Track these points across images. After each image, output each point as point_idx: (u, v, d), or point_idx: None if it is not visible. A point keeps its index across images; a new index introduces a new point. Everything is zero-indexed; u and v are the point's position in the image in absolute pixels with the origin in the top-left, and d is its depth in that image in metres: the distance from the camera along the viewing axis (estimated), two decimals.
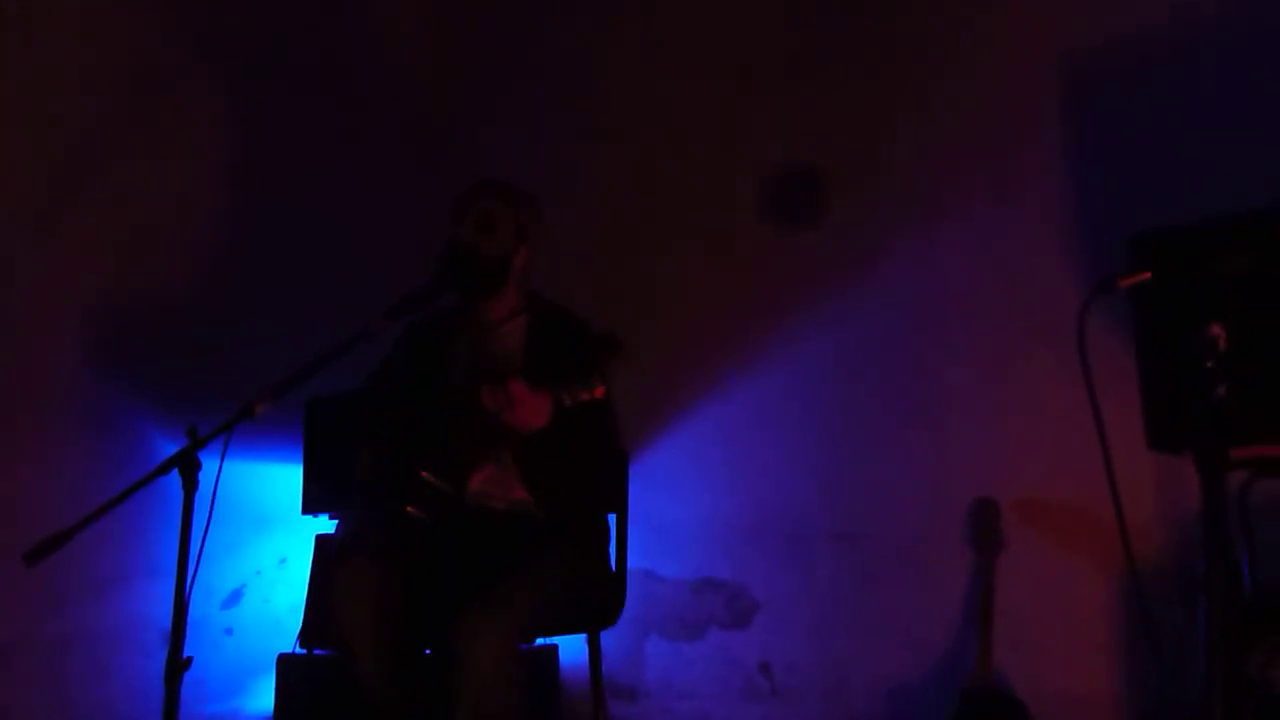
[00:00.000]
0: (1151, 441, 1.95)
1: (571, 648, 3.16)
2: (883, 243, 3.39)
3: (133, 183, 3.34)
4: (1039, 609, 3.03)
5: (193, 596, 1.96)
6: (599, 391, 2.11)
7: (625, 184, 3.77)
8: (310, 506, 3.35)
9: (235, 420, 2.05)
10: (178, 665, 1.93)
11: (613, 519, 2.65)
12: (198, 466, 2.01)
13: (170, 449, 3.29)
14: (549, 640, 2.98)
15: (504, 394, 2.18)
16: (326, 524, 3.36)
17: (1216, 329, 1.76)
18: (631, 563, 2.67)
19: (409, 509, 2.32)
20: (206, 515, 1.99)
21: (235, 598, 3.62)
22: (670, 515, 3.52)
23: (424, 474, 2.34)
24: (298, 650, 3.09)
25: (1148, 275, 1.84)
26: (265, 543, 3.68)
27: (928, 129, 3.39)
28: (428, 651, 2.40)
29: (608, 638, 2.63)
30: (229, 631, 3.58)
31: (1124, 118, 3.10)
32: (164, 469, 2.01)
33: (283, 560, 3.73)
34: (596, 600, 2.50)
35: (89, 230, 3.23)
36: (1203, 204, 2.01)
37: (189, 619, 1.95)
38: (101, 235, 3.26)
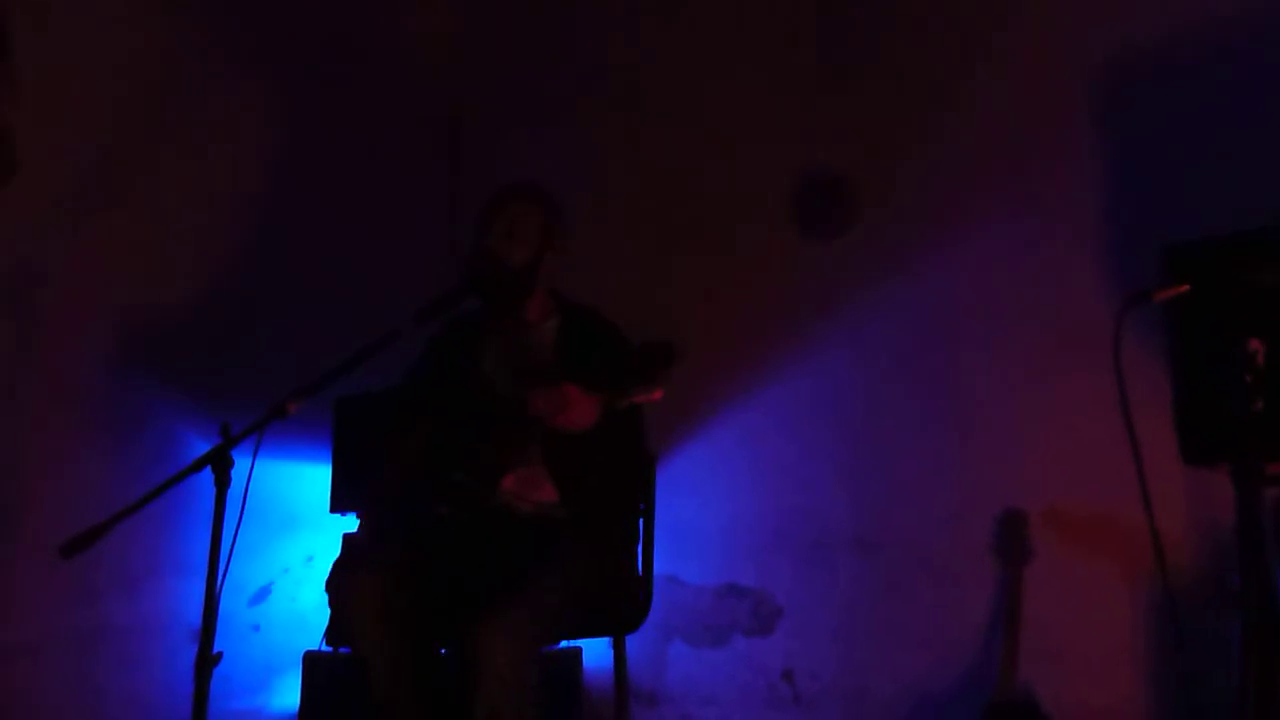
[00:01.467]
0: (1186, 455, 1.93)
1: (594, 651, 3.16)
2: (911, 250, 3.37)
3: (163, 182, 3.39)
4: (1066, 620, 3.00)
5: (221, 593, 1.98)
6: (656, 395, 2.12)
7: (652, 187, 3.77)
8: (338, 505, 3.37)
9: (268, 419, 2.06)
10: (208, 659, 1.95)
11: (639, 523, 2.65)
12: (230, 464, 2.02)
13: (198, 446, 3.35)
14: (573, 643, 2.99)
15: (558, 397, 2.19)
16: (354, 523, 3.38)
17: (1255, 343, 1.74)
18: (655, 568, 2.66)
19: (441, 511, 2.33)
20: (238, 513, 2.01)
21: (263, 595, 3.65)
22: (694, 520, 3.52)
23: (456, 475, 2.35)
24: (323, 648, 3.11)
25: (1185, 288, 1.82)
26: (293, 541, 3.70)
27: (957, 135, 3.37)
28: (444, 652, 2.40)
29: (631, 642, 2.62)
30: (256, 628, 3.60)
31: (1158, 122, 3.06)
32: (197, 466, 2.02)
33: (310, 558, 3.75)
34: (622, 604, 2.50)
35: (120, 230, 3.28)
36: (1239, 211, 1.99)
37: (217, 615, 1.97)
38: (132, 235, 3.30)
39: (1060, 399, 3.13)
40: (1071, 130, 3.22)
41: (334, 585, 2.31)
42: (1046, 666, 2.95)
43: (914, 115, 3.45)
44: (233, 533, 1.99)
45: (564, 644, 2.86)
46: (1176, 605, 2.10)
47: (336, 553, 3.30)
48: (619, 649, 2.55)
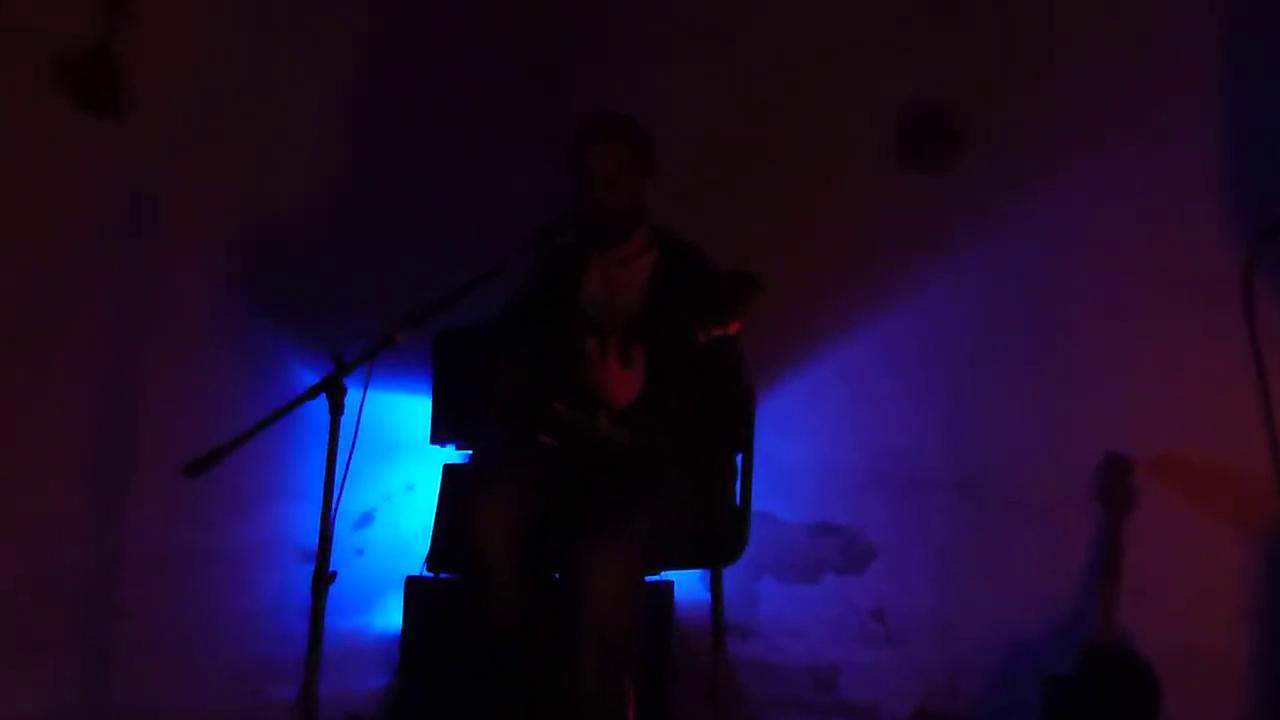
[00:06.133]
0: None
1: (684, 586, 3.20)
2: (1018, 187, 3.26)
3: (274, 109, 3.44)
4: (1170, 570, 2.95)
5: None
6: (734, 328, 2.10)
7: (751, 121, 3.69)
8: (438, 436, 3.45)
9: (378, 348, 2.12)
10: (324, 578, 2.04)
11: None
12: (344, 391, 2.09)
13: (301, 374, 3.44)
14: (665, 577, 3.03)
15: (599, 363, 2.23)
16: (452, 454, 3.46)
17: None
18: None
19: (543, 438, 2.37)
20: (351, 439, 2.07)
21: (366, 520, 3.77)
22: (789, 458, 3.51)
23: (557, 404, 2.38)
24: (424, 573, 3.20)
25: None
26: (395, 469, 3.81)
27: (1069, 65, 3.23)
28: (555, 576, 2.45)
29: (723, 577, 2.65)
30: (360, 552, 3.73)
31: None
32: (313, 393, 2.09)
33: (411, 487, 3.85)
34: (720, 537, 2.53)
35: (233, 158, 3.35)
36: None
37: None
38: (245, 163, 3.37)
39: (1171, 342, 3.05)
40: (1195, 60, 3.07)
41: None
42: (1149, 615, 2.90)
43: (1023, 44, 3.31)
44: (346, 458, 2.06)
45: (656, 577, 2.91)
46: None
47: (436, 483, 3.40)
48: (716, 581, 2.58)
